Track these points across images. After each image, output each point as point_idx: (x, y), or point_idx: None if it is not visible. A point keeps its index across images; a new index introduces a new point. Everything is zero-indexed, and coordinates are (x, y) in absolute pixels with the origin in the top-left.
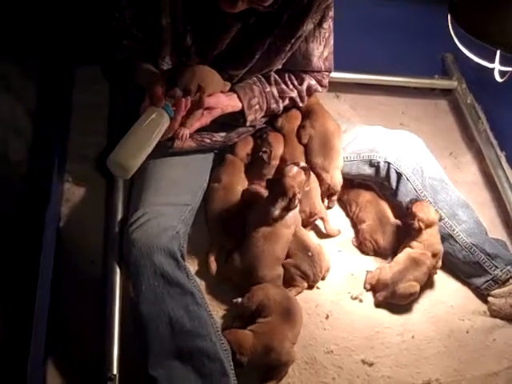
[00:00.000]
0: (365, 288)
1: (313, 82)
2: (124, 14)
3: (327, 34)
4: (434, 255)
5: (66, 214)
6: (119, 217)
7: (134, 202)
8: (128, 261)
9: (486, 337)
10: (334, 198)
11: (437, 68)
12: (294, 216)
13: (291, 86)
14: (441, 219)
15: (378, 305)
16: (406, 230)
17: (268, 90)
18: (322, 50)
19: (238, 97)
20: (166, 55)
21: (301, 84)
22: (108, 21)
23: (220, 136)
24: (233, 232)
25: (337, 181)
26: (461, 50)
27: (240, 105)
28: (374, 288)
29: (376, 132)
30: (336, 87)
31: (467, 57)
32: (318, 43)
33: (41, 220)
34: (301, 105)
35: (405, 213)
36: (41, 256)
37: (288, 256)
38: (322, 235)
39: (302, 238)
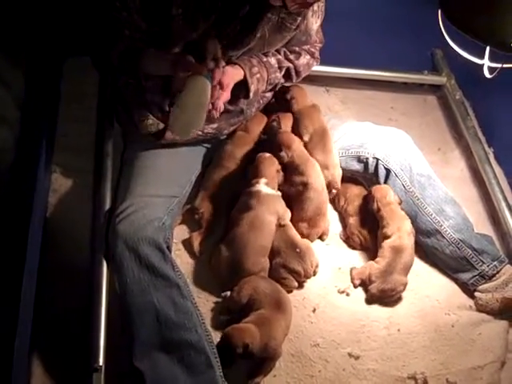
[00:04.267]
0: (353, 283)
1: (308, 56)
2: (128, 3)
3: (323, 7)
4: (409, 234)
5: (53, 204)
6: (106, 207)
7: (121, 193)
8: (114, 252)
9: (471, 331)
10: (334, 191)
11: (426, 63)
12: (277, 205)
13: (287, 61)
14: (400, 202)
15: (371, 297)
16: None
17: (265, 59)
18: (319, 24)
19: (239, 66)
20: (175, 46)
21: (297, 59)
22: (108, 10)
23: (211, 128)
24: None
25: (338, 177)
26: (450, 46)
27: (242, 72)
28: (364, 282)
29: (365, 128)
30: (326, 81)
31: (457, 53)
32: (316, 17)
33: (27, 210)
34: (295, 79)
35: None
36: (27, 246)
37: (276, 254)
38: None
39: (289, 235)
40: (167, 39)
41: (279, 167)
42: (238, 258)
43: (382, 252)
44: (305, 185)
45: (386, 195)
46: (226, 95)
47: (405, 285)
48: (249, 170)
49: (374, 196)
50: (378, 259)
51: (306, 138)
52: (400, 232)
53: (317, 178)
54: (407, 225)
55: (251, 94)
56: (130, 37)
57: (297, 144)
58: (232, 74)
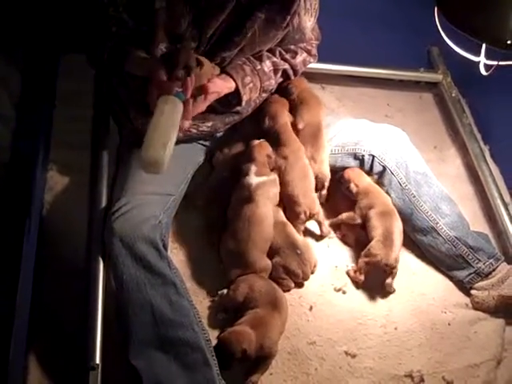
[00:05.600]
0: (357, 281)
1: (304, 54)
2: (116, 0)
3: (317, 5)
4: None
5: (50, 202)
6: (103, 205)
7: (118, 191)
8: (110, 250)
9: (467, 329)
10: (324, 192)
11: (422, 61)
12: (270, 189)
13: (283, 61)
14: (378, 183)
15: (389, 270)
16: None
17: (259, 67)
18: (312, 22)
19: (231, 77)
20: (160, 42)
21: (294, 58)
22: (95, 7)
23: (206, 126)
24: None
25: (326, 171)
26: (446, 43)
27: (234, 85)
28: (372, 264)
29: (361, 125)
30: (322, 78)
31: (453, 50)
32: (309, 15)
33: (23, 208)
34: (293, 78)
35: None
36: (23, 244)
37: (276, 253)
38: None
39: (290, 235)
40: (152, 34)
41: (270, 151)
42: (241, 253)
43: (372, 225)
44: (285, 158)
45: (361, 175)
46: (201, 106)
47: None
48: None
49: (349, 177)
50: (372, 234)
51: (300, 126)
52: (384, 199)
53: (299, 155)
54: (387, 196)
55: (243, 103)
56: (117, 34)
57: (282, 117)
58: (219, 85)
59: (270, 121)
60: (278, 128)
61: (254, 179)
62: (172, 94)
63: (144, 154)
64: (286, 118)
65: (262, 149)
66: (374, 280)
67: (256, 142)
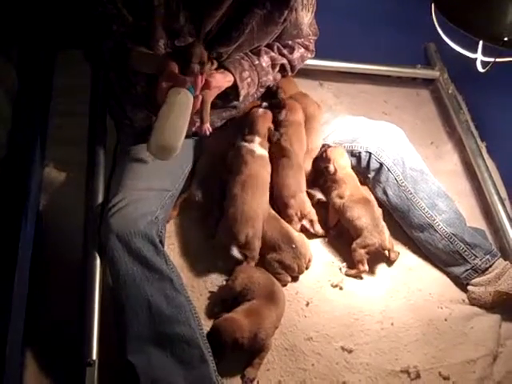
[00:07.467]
0: (362, 271)
1: (302, 50)
2: None
3: (314, 1)
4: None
5: (46, 198)
6: (99, 201)
7: (114, 187)
8: (106, 245)
9: (463, 325)
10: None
11: (419, 57)
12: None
13: (281, 56)
14: (374, 180)
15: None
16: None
17: (257, 62)
18: (310, 17)
19: (229, 71)
20: (159, 38)
21: (291, 53)
22: (94, 5)
23: None
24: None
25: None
26: (443, 40)
27: (232, 79)
28: (371, 253)
29: (358, 122)
30: (319, 75)
31: (450, 47)
32: (306, 11)
33: (20, 204)
34: (290, 73)
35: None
36: (20, 240)
37: (272, 249)
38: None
39: (285, 230)
40: (152, 31)
41: (271, 124)
42: (244, 211)
43: (353, 215)
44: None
45: (343, 156)
46: (209, 102)
47: None
48: (243, 123)
49: (331, 157)
50: (354, 222)
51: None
52: (355, 185)
53: (299, 151)
54: (357, 183)
55: (241, 98)
56: (117, 32)
57: (295, 114)
58: (220, 80)
59: (286, 112)
60: (288, 124)
61: (258, 149)
62: (186, 87)
63: (156, 140)
64: (298, 116)
65: (266, 120)
66: (372, 277)
67: (260, 111)
